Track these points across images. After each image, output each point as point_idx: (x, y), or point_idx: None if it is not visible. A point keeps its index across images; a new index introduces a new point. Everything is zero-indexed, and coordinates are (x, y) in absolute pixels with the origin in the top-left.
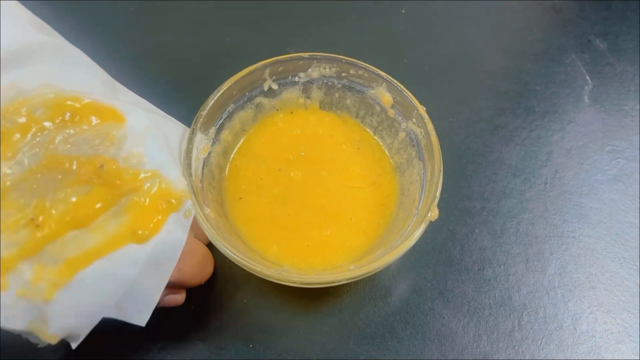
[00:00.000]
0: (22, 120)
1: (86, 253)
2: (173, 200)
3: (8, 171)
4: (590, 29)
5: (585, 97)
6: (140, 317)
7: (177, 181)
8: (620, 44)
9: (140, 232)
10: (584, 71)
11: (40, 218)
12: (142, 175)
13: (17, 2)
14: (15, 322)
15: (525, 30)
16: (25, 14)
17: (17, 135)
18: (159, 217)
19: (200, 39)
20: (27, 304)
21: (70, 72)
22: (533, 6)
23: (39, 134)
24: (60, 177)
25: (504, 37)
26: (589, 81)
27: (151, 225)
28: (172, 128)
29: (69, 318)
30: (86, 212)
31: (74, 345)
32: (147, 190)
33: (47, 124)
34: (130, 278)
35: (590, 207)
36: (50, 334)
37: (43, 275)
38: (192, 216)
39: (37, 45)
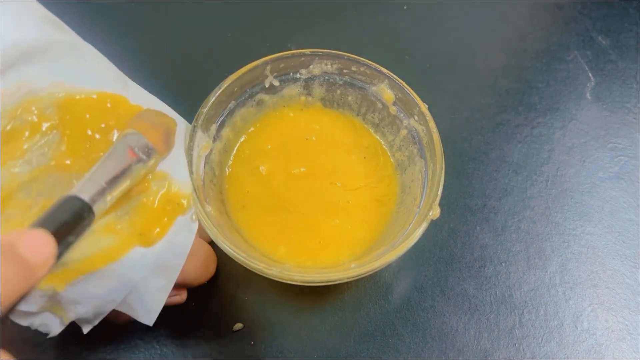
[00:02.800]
0: (32, 119)
1: (93, 256)
2: (183, 201)
3: (16, 170)
4: (592, 26)
5: (587, 95)
6: (148, 317)
7: (185, 183)
8: (622, 41)
9: (147, 235)
10: (586, 68)
11: None
12: (150, 176)
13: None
14: (29, 305)
15: (527, 27)
16: (39, 11)
17: (27, 134)
18: (166, 220)
19: (201, 36)
20: (39, 292)
21: (82, 70)
22: (535, 3)
23: (48, 133)
24: (67, 177)
25: (506, 34)
26: (591, 78)
27: (158, 229)
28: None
29: (79, 306)
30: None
31: (85, 330)
32: (155, 192)
33: (56, 123)
34: (136, 279)
35: (592, 204)
36: (65, 314)
37: (50, 275)
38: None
39: (49, 42)
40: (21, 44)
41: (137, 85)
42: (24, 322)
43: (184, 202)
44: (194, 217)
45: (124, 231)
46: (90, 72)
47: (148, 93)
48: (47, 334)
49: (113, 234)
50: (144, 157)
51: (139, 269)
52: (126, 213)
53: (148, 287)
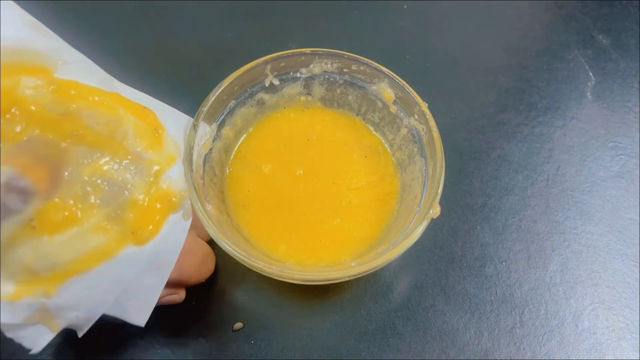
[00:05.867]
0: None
1: (86, 255)
2: (174, 199)
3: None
4: (593, 25)
5: (588, 94)
6: (140, 317)
7: (177, 180)
8: (623, 40)
9: (140, 233)
10: (587, 67)
11: (37, 219)
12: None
13: (11, 1)
14: (14, 317)
15: (527, 26)
16: (20, 14)
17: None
18: (158, 218)
19: (201, 35)
20: (28, 298)
21: (65, 72)
22: (535, 2)
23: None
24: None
25: (506, 33)
26: (592, 77)
27: (150, 227)
28: (175, 119)
29: (69, 312)
30: (83, 212)
31: (80, 334)
32: (147, 190)
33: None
34: (129, 278)
35: (592, 204)
36: (53, 322)
37: (40, 279)
38: (191, 218)
39: (35, 48)
40: (3, 50)
41: (124, 85)
42: (7, 333)
43: (175, 200)
44: (185, 215)
45: (115, 230)
46: (75, 77)
47: (135, 90)
48: (29, 350)
49: (104, 233)
50: (18, 205)
51: (131, 267)
52: (115, 211)
53: (140, 285)
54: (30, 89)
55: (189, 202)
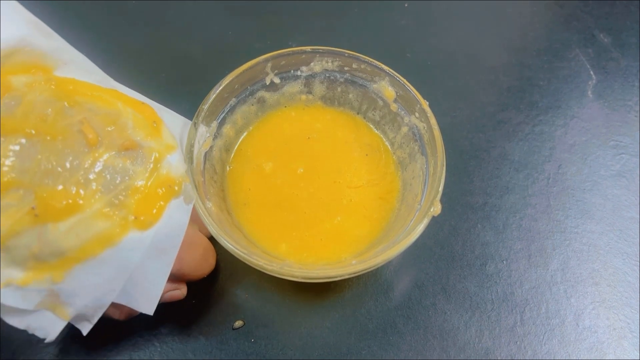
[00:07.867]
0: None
1: (90, 241)
2: (176, 187)
3: (9, 163)
4: (594, 24)
5: (589, 92)
6: (148, 306)
7: (176, 166)
8: (624, 39)
9: (142, 218)
10: (588, 66)
11: (39, 207)
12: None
13: (15, 1)
14: (26, 302)
15: (528, 25)
16: (22, 14)
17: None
18: (161, 203)
19: (202, 33)
20: (37, 286)
21: (64, 71)
22: (536, 1)
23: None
24: (55, 168)
25: (507, 32)
26: (593, 76)
27: (153, 211)
28: (171, 120)
29: (78, 298)
30: (85, 199)
31: (84, 332)
32: (148, 176)
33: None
34: (134, 264)
35: (593, 202)
36: (63, 310)
37: (47, 265)
38: (193, 201)
39: (34, 47)
40: (5, 48)
41: (122, 85)
42: (20, 325)
43: (176, 186)
44: (187, 199)
45: (118, 216)
46: (73, 75)
47: (133, 91)
48: (44, 339)
49: (107, 219)
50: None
51: (136, 253)
52: (117, 197)
53: (146, 271)
54: (29, 86)
55: (190, 186)
